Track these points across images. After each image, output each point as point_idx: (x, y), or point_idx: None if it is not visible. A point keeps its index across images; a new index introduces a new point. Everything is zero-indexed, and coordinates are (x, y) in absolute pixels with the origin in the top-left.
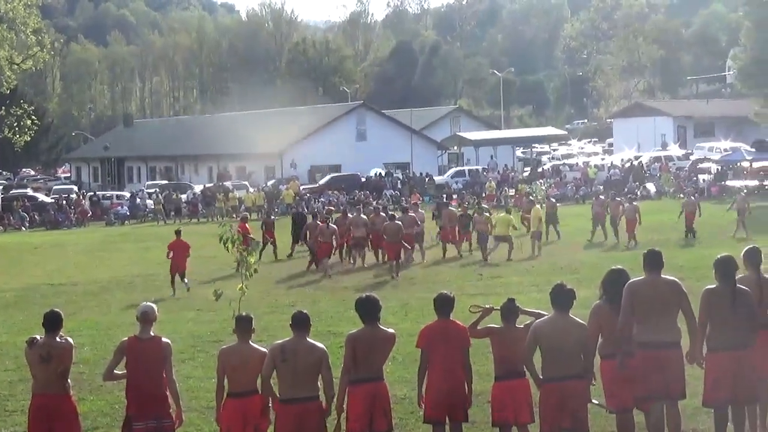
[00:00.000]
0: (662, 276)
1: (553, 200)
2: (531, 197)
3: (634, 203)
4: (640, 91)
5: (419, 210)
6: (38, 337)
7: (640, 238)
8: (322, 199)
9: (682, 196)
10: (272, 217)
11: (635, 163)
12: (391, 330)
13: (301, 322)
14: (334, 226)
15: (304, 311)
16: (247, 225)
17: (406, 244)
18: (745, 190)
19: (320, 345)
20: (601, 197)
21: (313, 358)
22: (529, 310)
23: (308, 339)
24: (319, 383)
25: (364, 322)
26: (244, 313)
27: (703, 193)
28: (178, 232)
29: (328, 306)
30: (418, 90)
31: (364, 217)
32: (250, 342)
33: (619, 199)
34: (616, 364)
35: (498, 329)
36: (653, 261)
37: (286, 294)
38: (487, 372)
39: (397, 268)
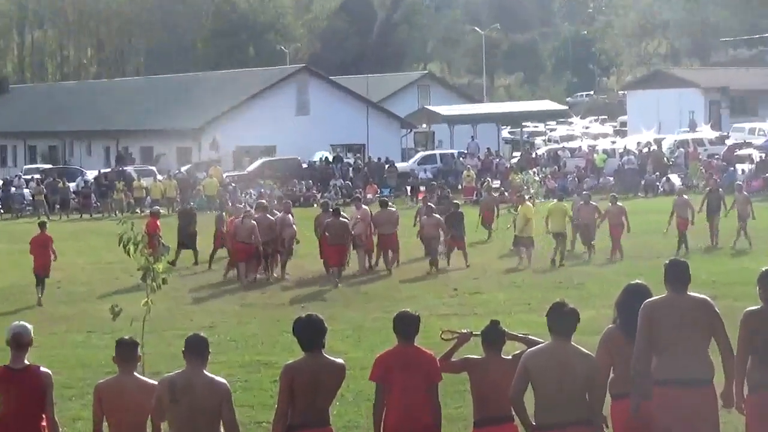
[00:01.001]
0: (689, 294)
1: (527, 197)
2: (520, 192)
3: (618, 204)
4: (662, 56)
5: (362, 206)
6: None
7: (659, 246)
8: (251, 191)
9: (703, 188)
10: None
11: (655, 148)
12: (339, 360)
13: (196, 349)
14: (253, 222)
15: (201, 334)
16: (158, 222)
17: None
18: (745, 189)
19: (221, 380)
20: (583, 195)
21: (213, 397)
22: (518, 335)
23: (206, 372)
24: (221, 429)
25: (305, 350)
26: (126, 337)
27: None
28: (42, 225)
29: (259, 328)
30: (377, 51)
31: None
32: (135, 374)
33: (594, 203)
34: (630, 406)
35: (478, 361)
36: (678, 274)
37: (204, 311)
38: (464, 416)
39: (339, 275)
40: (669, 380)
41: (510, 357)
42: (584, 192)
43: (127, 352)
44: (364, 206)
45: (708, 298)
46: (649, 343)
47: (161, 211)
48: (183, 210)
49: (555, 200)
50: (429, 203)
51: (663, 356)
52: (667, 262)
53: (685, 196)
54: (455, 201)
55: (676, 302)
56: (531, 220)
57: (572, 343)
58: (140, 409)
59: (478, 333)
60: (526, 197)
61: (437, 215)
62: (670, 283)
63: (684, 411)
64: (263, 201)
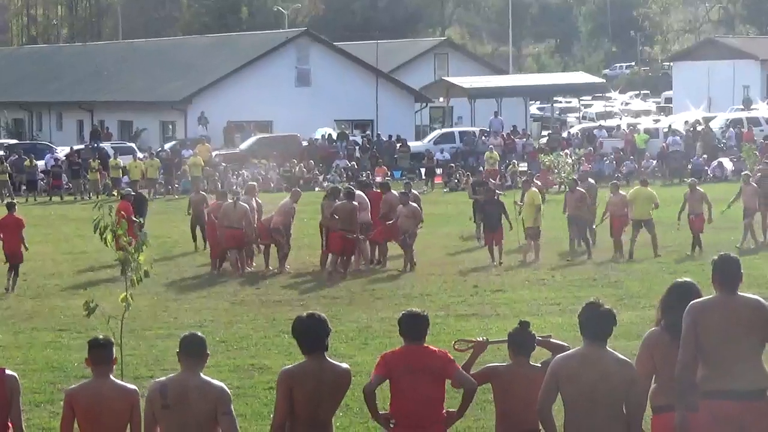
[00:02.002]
0: (740, 294)
1: (538, 182)
2: (531, 174)
3: (621, 192)
4: (714, 23)
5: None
6: None
7: (710, 240)
8: (243, 172)
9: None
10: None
11: (704, 127)
12: (344, 365)
13: (192, 350)
14: (244, 206)
15: (198, 334)
16: (132, 206)
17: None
18: (759, 173)
19: (217, 383)
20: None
21: (209, 403)
22: (540, 338)
23: (202, 375)
24: None
25: (305, 353)
26: (101, 336)
27: None
28: (10, 206)
29: (253, 328)
30: (388, 14)
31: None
32: (111, 377)
33: (581, 189)
34: (674, 421)
35: (503, 369)
36: (728, 272)
37: (191, 309)
38: (485, 430)
39: (345, 267)
40: (717, 392)
41: (539, 364)
42: (574, 177)
43: (102, 353)
44: (359, 192)
45: (762, 300)
46: (695, 349)
47: (132, 193)
48: (137, 195)
49: (638, 185)
50: (405, 190)
51: (711, 365)
52: (715, 257)
53: (700, 188)
54: (492, 188)
55: (725, 304)
56: (541, 207)
57: (608, 348)
58: (118, 418)
59: (497, 340)
60: (534, 180)
61: (415, 204)
62: (718, 282)
63: (734, 427)
64: (253, 183)
